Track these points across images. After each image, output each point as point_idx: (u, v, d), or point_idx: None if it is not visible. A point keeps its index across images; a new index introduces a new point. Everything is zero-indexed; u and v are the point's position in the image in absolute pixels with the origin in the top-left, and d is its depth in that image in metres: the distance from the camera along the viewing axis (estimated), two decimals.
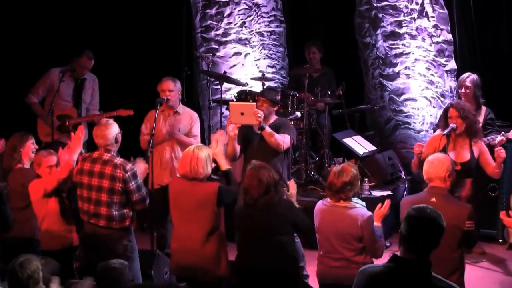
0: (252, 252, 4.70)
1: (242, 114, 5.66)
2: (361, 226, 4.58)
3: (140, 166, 5.23)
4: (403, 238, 3.21)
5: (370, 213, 4.68)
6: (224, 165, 5.09)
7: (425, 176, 4.61)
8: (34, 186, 5.28)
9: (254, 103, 5.89)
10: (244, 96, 7.95)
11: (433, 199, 4.44)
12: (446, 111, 6.61)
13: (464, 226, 4.38)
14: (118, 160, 4.96)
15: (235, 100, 8.04)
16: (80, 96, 7.46)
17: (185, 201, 4.85)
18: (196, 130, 6.51)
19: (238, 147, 5.87)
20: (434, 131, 6.53)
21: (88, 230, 5.07)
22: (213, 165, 5.49)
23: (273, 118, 5.96)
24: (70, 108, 7.36)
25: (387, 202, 4.79)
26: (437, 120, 7.92)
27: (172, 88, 6.36)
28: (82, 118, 7.29)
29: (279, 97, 6.06)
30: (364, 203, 4.76)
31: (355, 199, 4.71)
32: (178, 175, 5.04)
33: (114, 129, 5.01)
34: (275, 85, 9.10)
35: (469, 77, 6.46)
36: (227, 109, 8.38)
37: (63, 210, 5.24)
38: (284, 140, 5.69)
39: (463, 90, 6.43)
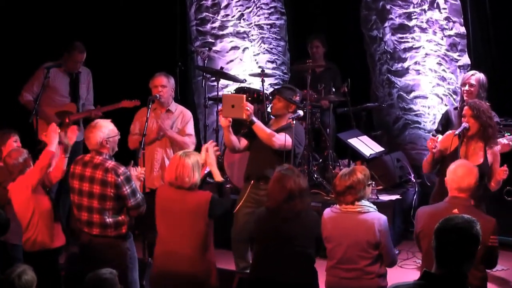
0: (271, 263, 4.69)
1: (232, 106, 5.65)
2: (378, 231, 4.58)
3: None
4: (434, 251, 3.18)
5: (385, 216, 4.69)
6: (217, 176, 5.08)
7: (448, 185, 4.57)
8: (16, 185, 5.26)
9: (244, 95, 5.90)
10: (242, 93, 7.94)
11: (455, 211, 4.39)
12: (446, 114, 6.60)
13: (489, 242, 4.31)
14: (110, 164, 4.94)
15: None
16: (77, 91, 7.49)
17: (175, 210, 4.83)
18: (190, 128, 6.49)
19: (235, 138, 5.87)
20: (434, 136, 6.48)
21: (83, 239, 5.07)
22: (207, 169, 5.49)
23: (285, 121, 5.90)
24: (69, 104, 7.44)
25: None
26: None
27: (165, 84, 6.35)
28: (82, 114, 7.33)
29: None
30: (375, 207, 4.76)
31: (366, 203, 4.71)
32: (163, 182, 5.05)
33: (99, 134, 4.96)
34: (276, 81, 9.10)
35: (475, 75, 6.34)
36: None
37: (53, 209, 5.25)
38: (279, 137, 5.68)
39: (466, 88, 6.30)
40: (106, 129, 5.00)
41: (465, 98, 6.28)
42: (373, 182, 6.98)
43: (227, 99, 5.75)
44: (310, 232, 4.68)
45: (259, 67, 8.90)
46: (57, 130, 5.28)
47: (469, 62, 7.87)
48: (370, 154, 7.47)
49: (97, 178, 4.92)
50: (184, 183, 4.79)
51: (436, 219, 4.42)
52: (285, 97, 5.89)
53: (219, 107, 8.25)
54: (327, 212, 4.79)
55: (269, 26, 9.13)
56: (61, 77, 7.40)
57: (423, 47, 8.09)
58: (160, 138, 6.40)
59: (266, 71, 8.44)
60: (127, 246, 5.05)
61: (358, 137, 7.67)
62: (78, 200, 5.01)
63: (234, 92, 8.02)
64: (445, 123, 6.53)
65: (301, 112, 5.99)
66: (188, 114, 6.54)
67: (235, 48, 9.16)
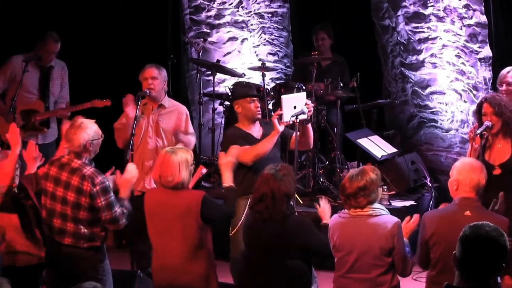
0: (253, 274, 4.78)
1: (294, 107, 5.66)
2: (392, 236, 4.59)
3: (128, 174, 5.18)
4: (458, 262, 3.17)
5: (399, 219, 4.70)
6: (228, 180, 5.13)
7: (454, 186, 4.61)
8: None
9: (305, 92, 5.91)
10: (241, 89, 7.93)
11: (467, 213, 4.42)
12: (479, 106, 6.57)
13: None
14: (88, 170, 4.92)
15: (230, 93, 8.05)
16: (47, 87, 7.43)
17: (165, 212, 4.87)
18: (191, 126, 6.56)
19: None
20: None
21: (52, 248, 5.06)
22: (204, 171, 5.50)
23: None
24: (36, 102, 7.33)
25: (416, 217, 4.81)
26: (468, 117, 7.95)
27: (155, 76, 6.37)
28: (51, 113, 7.28)
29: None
30: (387, 210, 4.78)
31: (378, 205, 4.73)
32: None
33: (83, 135, 4.93)
34: (278, 75, 9.11)
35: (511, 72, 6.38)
36: (220, 104, 8.39)
37: (25, 223, 5.24)
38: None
39: (504, 88, 6.34)
40: (91, 130, 4.97)
41: (504, 98, 6.27)
42: (385, 187, 7.05)
43: (288, 101, 5.72)
44: (289, 240, 4.67)
45: (259, 59, 8.92)
46: (16, 130, 5.18)
47: (491, 54, 7.88)
48: (382, 156, 7.48)
49: (73, 184, 4.91)
50: (167, 182, 4.84)
51: (447, 223, 4.48)
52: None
53: (216, 104, 8.33)
54: (335, 218, 4.80)
55: (270, 15, 9.14)
56: (31, 71, 7.26)
57: (440, 38, 8.10)
58: (151, 137, 6.43)
59: (267, 64, 8.45)
60: (99, 257, 5.04)
61: (369, 137, 7.68)
62: (51, 204, 5.00)
63: (232, 87, 8.03)
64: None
65: (305, 109, 6.01)
66: (184, 110, 6.56)
67: (232, 39, 9.16)
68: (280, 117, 5.68)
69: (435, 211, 4.73)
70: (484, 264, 3.13)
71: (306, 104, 5.70)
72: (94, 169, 4.97)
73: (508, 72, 6.37)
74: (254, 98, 5.88)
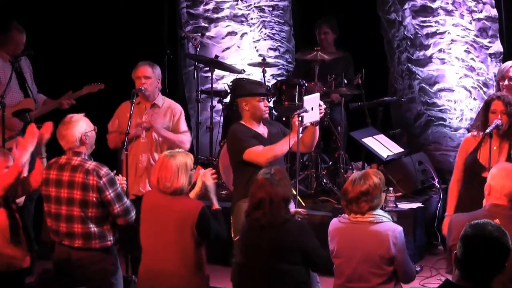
0: (253, 281, 4.77)
1: (312, 108, 5.65)
2: (393, 244, 4.57)
3: None
4: (458, 261, 3.20)
5: (401, 227, 4.68)
6: (215, 204, 5.11)
7: (486, 191, 4.55)
8: None
9: (318, 93, 5.91)
10: (240, 88, 7.92)
11: (497, 221, 4.37)
12: (488, 102, 6.54)
13: None
14: (90, 165, 4.93)
15: (228, 91, 8.04)
16: (26, 82, 7.29)
17: (161, 216, 4.86)
18: (184, 124, 6.51)
19: None
20: (469, 131, 6.42)
21: (60, 254, 5.05)
22: (202, 171, 5.48)
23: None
24: (25, 100, 7.26)
25: None
26: None
27: (149, 75, 6.36)
28: (45, 108, 7.22)
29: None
30: (390, 216, 4.75)
31: (380, 212, 4.70)
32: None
33: (77, 128, 4.96)
34: (279, 72, 9.08)
35: None
36: (219, 102, 8.37)
37: (12, 225, 5.22)
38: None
39: (506, 83, 6.31)
40: (82, 123, 5.00)
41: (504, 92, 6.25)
42: (391, 188, 7.03)
43: (309, 102, 5.69)
44: (290, 244, 4.67)
45: (260, 55, 8.92)
46: (36, 132, 5.17)
47: (502, 50, 7.87)
48: (388, 156, 7.46)
49: (77, 181, 4.90)
50: (166, 188, 4.83)
51: None
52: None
53: (214, 102, 8.31)
54: (334, 222, 4.78)
55: (271, 8, 9.12)
56: (5, 68, 7.14)
57: (449, 33, 8.09)
58: (145, 139, 6.40)
59: (268, 60, 8.45)
60: (111, 261, 5.05)
61: (374, 136, 7.66)
62: (56, 209, 4.99)
63: (236, 83, 8.00)
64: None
65: (308, 107, 5.98)
66: (178, 108, 6.54)
67: (232, 33, 9.15)
68: (302, 119, 5.64)
69: (464, 215, 4.65)
70: (486, 264, 3.17)
71: (319, 105, 5.67)
72: (96, 162, 4.99)
73: (511, 66, 6.34)
74: (264, 97, 5.86)
